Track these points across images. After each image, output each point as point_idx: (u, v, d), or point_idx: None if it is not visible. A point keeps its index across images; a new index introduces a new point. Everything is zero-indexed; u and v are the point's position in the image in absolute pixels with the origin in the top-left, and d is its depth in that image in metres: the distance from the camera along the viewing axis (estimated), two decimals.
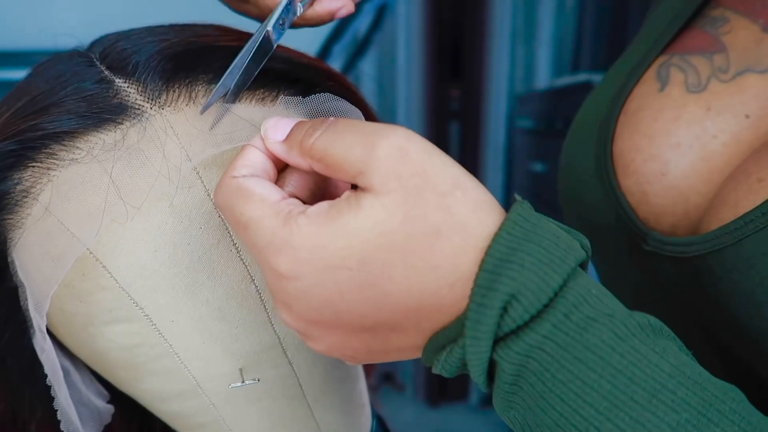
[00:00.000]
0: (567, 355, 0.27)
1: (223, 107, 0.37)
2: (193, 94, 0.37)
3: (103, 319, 0.37)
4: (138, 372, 0.39)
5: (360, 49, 1.70)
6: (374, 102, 1.81)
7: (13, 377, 0.41)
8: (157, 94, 0.37)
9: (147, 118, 0.36)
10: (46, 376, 0.39)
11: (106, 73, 0.38)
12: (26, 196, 0.36)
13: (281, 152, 0.33)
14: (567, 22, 1.79)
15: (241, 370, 0.39)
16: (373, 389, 0.56)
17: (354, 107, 0.37)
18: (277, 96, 0.39)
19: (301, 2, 0.39)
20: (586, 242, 0.31)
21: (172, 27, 0.41)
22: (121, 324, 0.37)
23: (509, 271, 0.28)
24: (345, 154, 0.29)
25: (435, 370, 0.31)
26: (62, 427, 0.40)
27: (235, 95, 0.37)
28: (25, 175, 0.36)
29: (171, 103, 0.37)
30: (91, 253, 0.35)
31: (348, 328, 0.31)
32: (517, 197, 0.30)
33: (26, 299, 0.38)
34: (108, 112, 0.36)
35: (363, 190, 0.29)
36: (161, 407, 0.41)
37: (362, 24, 1.69)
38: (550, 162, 1.57)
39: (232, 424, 0.41)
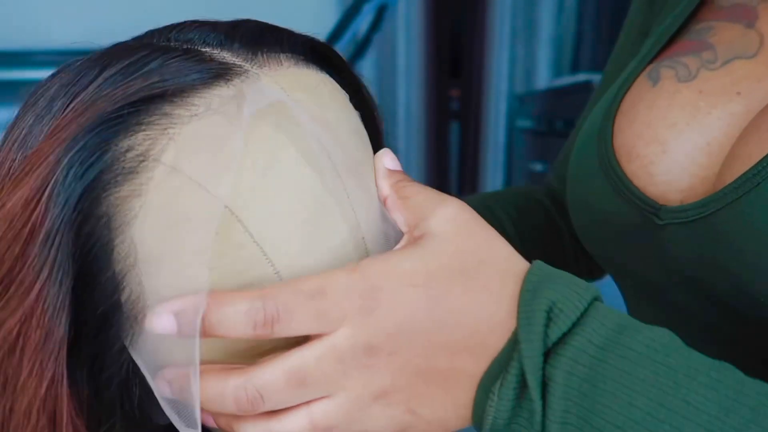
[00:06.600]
0: (610, 355, 0.32)
1: None
2: (282, 59, 0.37)
3: (233, 283, 0.34)
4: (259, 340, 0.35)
5: (360, 49, 1.70)
6: None
7: (110, 388, 0.36)
8: (251, 57, 0.36)
9: (253, 76, 0.35)
10: (138, 395, 0.36)
11: (188, 46, 0.36)
12: (144, 160, 0.33)
13: (389, 176, 0.39)
14: (567, 22, 1.79)
15: None
16: None
17: None
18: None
19: None
20: (598, 292, 0.35)
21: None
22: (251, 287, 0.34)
23: (546, 290, 0.33)
24: (422, 202, 0.37)
25: (486, 426, 0.33)
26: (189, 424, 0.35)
27: None
28: (136, 140, 0.33)
29: (265, 66, 0.36)
30: (227, 207, 0.33)
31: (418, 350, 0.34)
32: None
33: (128, 286, 0.34)
34: (216, 70, 0.34)
35: (422, 236, 0.35)
36: None
37: (362, 24, 1.69)
38: (550, 162, 1.57)
39: None
